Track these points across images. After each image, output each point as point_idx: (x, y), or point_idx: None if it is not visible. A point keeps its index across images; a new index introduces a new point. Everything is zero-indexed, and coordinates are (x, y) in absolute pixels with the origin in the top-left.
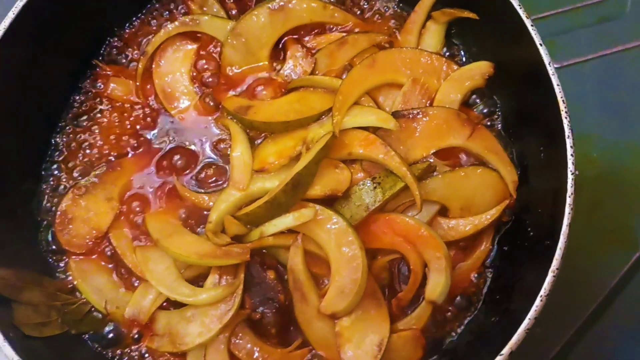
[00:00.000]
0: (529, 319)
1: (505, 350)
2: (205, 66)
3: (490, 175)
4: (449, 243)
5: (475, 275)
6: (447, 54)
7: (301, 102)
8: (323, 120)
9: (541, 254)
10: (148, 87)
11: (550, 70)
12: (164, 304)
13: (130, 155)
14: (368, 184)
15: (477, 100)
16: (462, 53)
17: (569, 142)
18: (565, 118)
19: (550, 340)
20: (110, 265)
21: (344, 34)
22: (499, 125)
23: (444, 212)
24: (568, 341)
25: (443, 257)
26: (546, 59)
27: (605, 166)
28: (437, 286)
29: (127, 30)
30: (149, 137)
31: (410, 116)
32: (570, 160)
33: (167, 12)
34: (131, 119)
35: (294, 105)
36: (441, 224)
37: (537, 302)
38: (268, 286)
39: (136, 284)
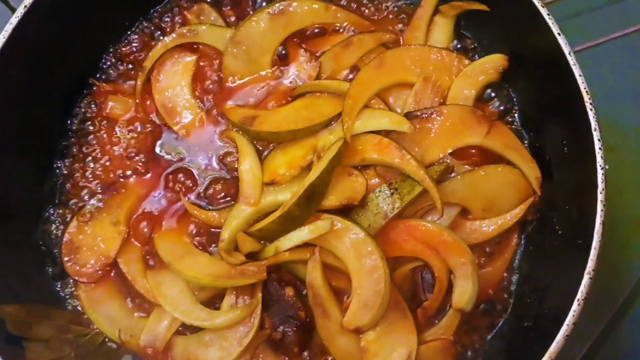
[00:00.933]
0: (567, 324)
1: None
2: (207, 78)
3: (512, 173)
4: (472, 246)
5: (503, 278)
6: (458, 46)
7: (309, 109)
8: (333, 126)
9: (574, 254)
10: (148, 103)
11: (571, 60)
12: (180, 328)
13: (134, 175)
14: (385, 191)
15: (493, 95)
16: (474, 47)
17: (595, 135)
18: (591, 110)
19: (577, 340)
20: (121, 292)
21: (349, 35)
22: (517, 121)
23: (465, 214)
24: (595, 341)
25: (468, 263)
26: (566, 48)
27: (625, 154)
28: (464, 293)
29: (123, 46)
30: (152, 155)
31: (424, 116)
32: (598, 154)
33: (163, 24)
34: (133, 138)
35: (302, 113)
36: (463, 227)
37: (575, 307)
38: (287, 304)
39: (150, 310)
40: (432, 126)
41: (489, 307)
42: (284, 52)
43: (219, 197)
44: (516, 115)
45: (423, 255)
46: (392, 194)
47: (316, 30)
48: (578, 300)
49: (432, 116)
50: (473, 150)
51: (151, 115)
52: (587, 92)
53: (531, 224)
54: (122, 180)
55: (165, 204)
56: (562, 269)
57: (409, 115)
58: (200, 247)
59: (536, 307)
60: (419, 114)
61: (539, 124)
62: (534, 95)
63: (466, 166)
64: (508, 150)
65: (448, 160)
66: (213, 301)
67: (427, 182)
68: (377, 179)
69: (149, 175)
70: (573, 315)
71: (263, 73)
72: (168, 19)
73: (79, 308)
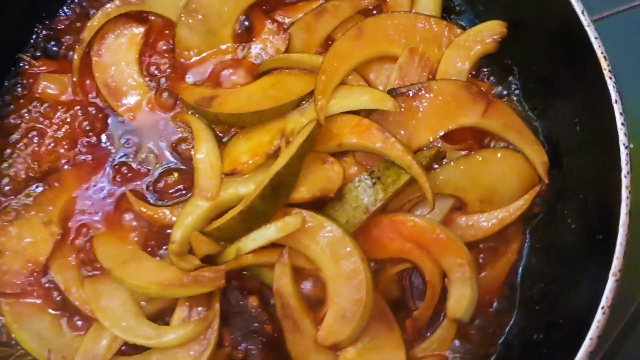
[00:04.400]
0: (591, 338)
1: None
2: (157, 53)
3: (514, 158)
4: (470, 244)
5: (505, 282)
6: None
7: (276, 87)
8: (304, 106)
9: (593, 252)
10: (88, 82)
11: (585, 20)
12: (123, 348)
13: (70, 167)
14: (366, 180)
15: (488, 69)
16: (467, 14)
17: (617, 109)
18: (610, 79)
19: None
20: (52, 305)
21: (322, 2)
22: (518, 97)
23: (460, 207)
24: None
25: (466, 263)
26: (578, 7)
27: None
28: (461, 300)
29: (60, 17)
30: (93, 142)
31: (411, 93)
32: (621, 130)
33: None
34: (69, 123)
35: (268, 92)
36: (458, 222)
37: (599, 316)
38: (250, 316)
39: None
40: (419, 105)
41: (490, 316)
42: (247, 23)
43: (171, 190)
44: (517, 91)
45: (412, 255)
46: (374, 184)
47: None
48: (603, 308)
49: (420, 93)
50: (468, 133)
51: (91, 97)
52: (605, 57)
53: (537, 217)
54: (55, 172)
55: (106, 200)
56: (579, 269)
57: (393, 92)
58: (148, 250)
59: (548, 317)
60: (404, 90)
61: (544, 101)
62: (538, 66)
63: (460, 152)
64: (509, 131)
65: (439, 145)
66: (162, 315)
67: (415, 168)
68: (356, 168)
69: (88, 167)
70: (597, 327)
71: (223, 47)
72: None
73: (1, 325)
